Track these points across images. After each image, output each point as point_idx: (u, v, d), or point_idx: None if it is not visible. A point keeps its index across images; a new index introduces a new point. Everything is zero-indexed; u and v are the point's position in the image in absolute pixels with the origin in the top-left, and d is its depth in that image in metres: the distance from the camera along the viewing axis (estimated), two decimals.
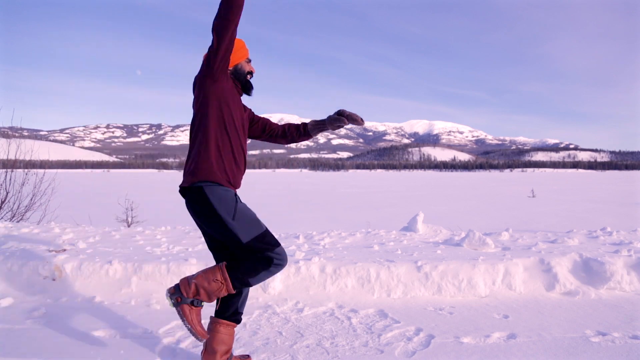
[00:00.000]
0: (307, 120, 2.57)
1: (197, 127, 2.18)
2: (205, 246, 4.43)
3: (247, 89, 2.35)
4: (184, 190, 2.17)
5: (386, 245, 4.61)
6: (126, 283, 3.57)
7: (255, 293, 3.51)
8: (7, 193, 7.26)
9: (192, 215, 2.20)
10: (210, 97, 2.13)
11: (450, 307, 3.30)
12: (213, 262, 3.72)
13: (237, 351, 2.53)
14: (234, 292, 2.17)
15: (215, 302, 2.31)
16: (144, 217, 10.20)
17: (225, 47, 2.07)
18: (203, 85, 2.14)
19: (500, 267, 3.71)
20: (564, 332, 2.82)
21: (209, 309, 2.87)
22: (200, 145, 2.15)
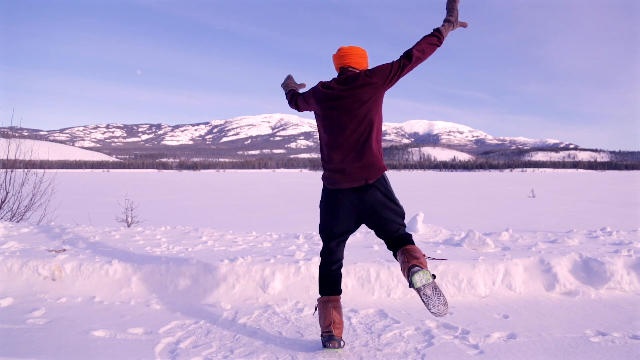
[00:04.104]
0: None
1: (370, 127, 2.47)
2: (205, 246, 4.44)
3: None
4: (370, 184, 2.47)
5: (385, 245, 4.61)
6: (126, 283, 3.57)
7: (255, 293, 3.52)
8: (7, 193, 7.26)
9: (375, 205, 2.46)
10: (381, 102, 2.52)
11: (450, 307, 3.30)
12: (213, 262, 3.72)
13: (236, 351, 2.53)
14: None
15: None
16: (144, 217, 10.20)
17: (408, 71, 2.52)
18: (379, 91, 2.48)
19: (500, 267, 3.71)
20: (564, 332, 2.82)
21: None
22: (375, 142, 2.49)
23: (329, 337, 2.48)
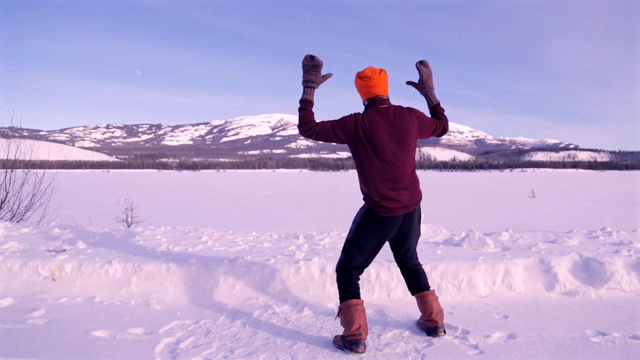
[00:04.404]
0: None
1: (414, 157, 2.68)
2: (205, 246, 4.44)
3: None
4: (416, 209, 2.72)
5: (386, 245, 4.61)
6: (126, 283, 3.57)
7: (255, 293, 3.52)
8: (7, 193, 7.26)
9: (412, 228, 2.73)
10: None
11: (450, 307, 3.30)
12: (213, 262, 3.72)
13: (236, 351, 2.53)
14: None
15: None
16: (144, 217, 10.20)
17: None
18: (420, 135, 2.74)
19: (500, 267, 3.71)
20: (564, 332, 2.82)
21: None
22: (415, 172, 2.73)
23: (357, 341, 2.50)
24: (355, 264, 2.69)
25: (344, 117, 2.61)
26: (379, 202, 2.57)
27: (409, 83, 3.04)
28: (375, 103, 2.62)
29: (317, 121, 2.63)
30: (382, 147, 2.54)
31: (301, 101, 2.68)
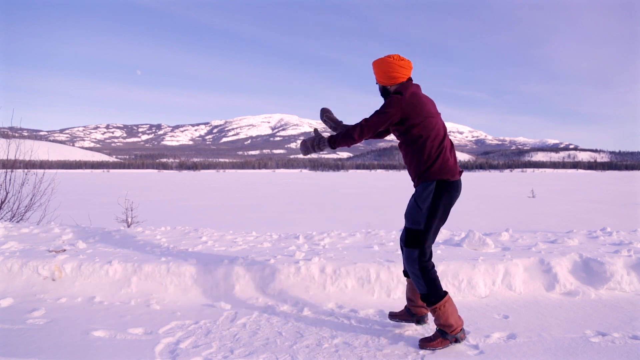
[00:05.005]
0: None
1: None
2: (205, 246, 4.43)
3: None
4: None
5: (386, 245, 4.61)
6: (126, 283, 3.57)
7: (255, 293, 3.52)
8: (7, 193, 7.26)
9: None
10: None
11: None
12: (213, 262, 3.72)
13: (236, 351, 2.53)
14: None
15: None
16: (144, 218, 10.20)
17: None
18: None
19: (500, 268, 3.71)
20: (564, 332, 2.82)
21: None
22: None
23: (462, 330, 2.65)
24: (430, 251, 2.68)
25: (391, 98, 2.64)
26: (445, 168, 2.62)
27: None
28: (411, 84, 2.76)
29: (363, 122, 2.69)
30: (436, 119, 2.70)
31: (330, 142, 2.76)
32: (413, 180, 2.72)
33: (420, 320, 2.91)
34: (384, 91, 2.81)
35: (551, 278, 3.71)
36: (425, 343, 2.58)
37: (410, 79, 2.75)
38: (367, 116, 2.68)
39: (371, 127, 2.65)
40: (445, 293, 2.64)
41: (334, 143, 2.74)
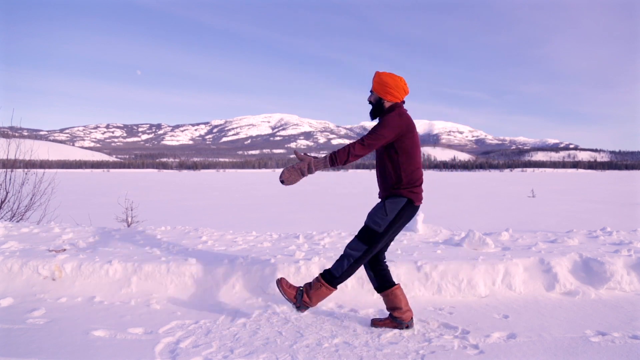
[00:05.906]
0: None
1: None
2: (205, 246, 4.44)
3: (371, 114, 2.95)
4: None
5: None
6: (126, 283, 3.57)
7: (255, 293, 3.52)
8: (7, 193, 7.26)
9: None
10: None
11: (450, 307, 3.31)
12: (213, 262, 3.72)
13: (236, 351, 2.53)
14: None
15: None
16: (144, 217, 10.19)
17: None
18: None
19: (500, 267, 3.71)
20: (564, 332, 2.82)
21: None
22: None
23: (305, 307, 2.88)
24: (373, 255, 2.91)
25: (390, 119, 2.74)
26: (415, 191, 2.80)
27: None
28: (401, 104, 2.92)
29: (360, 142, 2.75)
30: (416, 139, 2.86)
31: (332, 159, 2.70)
32: (384, 190, 2.84)
33: (408, 325, 2.90)
34: (378, 104, 2.89)
35: (551, 278, 3.71)
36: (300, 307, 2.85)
37: (403, 102, 2.94)
38: (366, 135, 2.73)
39: (373, 146, 2.73)
40: (336, 287, 2.86)
41: (335, 160, 2.68)
